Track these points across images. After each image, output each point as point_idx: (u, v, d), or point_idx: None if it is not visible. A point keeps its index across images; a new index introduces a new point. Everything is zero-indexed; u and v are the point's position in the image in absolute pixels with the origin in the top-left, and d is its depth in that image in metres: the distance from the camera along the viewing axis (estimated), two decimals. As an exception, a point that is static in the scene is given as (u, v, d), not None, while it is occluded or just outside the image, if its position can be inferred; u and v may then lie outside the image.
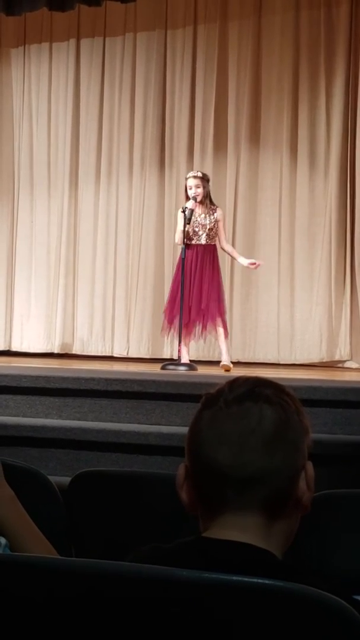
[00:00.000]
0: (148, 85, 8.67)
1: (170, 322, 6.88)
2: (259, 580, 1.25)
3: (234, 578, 1.25)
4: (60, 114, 8.98)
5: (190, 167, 8.46)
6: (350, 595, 1.32)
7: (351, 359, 8.02)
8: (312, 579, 1.31)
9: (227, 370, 6.76)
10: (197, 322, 6.82)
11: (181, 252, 6.97)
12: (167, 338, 7.17)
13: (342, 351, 8.04)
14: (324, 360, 8.02)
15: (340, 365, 8.05)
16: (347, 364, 8.04)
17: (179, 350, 6.81)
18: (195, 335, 6.93)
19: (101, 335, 8.70)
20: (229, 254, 7.16)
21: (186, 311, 6.75)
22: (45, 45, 9.03)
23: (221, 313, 6.85)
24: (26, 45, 9.08)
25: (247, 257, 7.26)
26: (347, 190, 8.10)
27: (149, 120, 8.67)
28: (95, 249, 8.80)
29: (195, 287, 6.82)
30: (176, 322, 6.78)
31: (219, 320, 6.82)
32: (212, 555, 1.37)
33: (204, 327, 6.82)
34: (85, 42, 8.92)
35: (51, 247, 8.92)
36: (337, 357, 8.04)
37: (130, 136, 8.75)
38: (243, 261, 7.07)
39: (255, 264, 7.04)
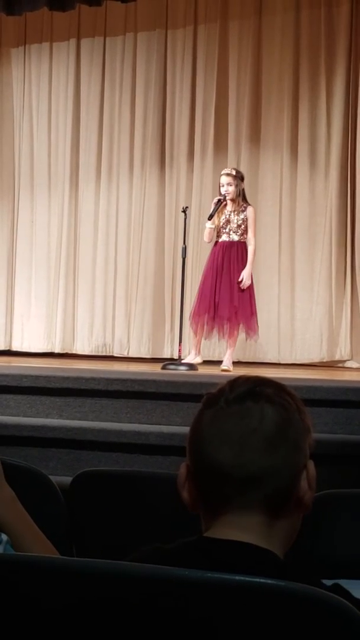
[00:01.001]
0: (148, 85, 8.66)
1: (197, 322, 6.79)
2: (261, 580, 1.25)
3: (236, 578, 1.25)
4: (60, 113, 8.97)
5: (190, 167, 8.47)
6: (351, 594, 1.32)
7: (351, 359, 8.03)
8: (314, 578, 1.31)
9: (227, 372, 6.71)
10: (224, 319, 6.73)
11: (182, 252, 6.96)
12: (205, 339, 6.96)
13: (342, 351, 8.04)
14: (325, 360, 8.02)
15: (340, 365, 8.05)
16: (347, 364, 8.04)
17: (179, 350, 6.79)
18: (214, 330, 6.82)
19: (101, 335, 8.69)
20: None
21: (211, 307, 6.70)
22: (46, 45, 9.03)
23: (251, 313, 6.77)
24: (26, 45, 9.08)
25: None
26: (348, 190, 8.10)
27: (149, 120, 8.66)
28: (96, 249, 8.79)
29: (223, 283, 6.76)
30: (203, 320, 6.72)
31: (250, 321, 6.75)
32: (213, 555, 1.37)
33: (233, 325, 6.73)
34: (85, 42, 8.92)
35: (51, 247, 8.92)
36: (337, 357, 8.04)
37: (130, 136, 8.75)
38: (247, 269, 6.84)
39: (241, 281, 6.75)
